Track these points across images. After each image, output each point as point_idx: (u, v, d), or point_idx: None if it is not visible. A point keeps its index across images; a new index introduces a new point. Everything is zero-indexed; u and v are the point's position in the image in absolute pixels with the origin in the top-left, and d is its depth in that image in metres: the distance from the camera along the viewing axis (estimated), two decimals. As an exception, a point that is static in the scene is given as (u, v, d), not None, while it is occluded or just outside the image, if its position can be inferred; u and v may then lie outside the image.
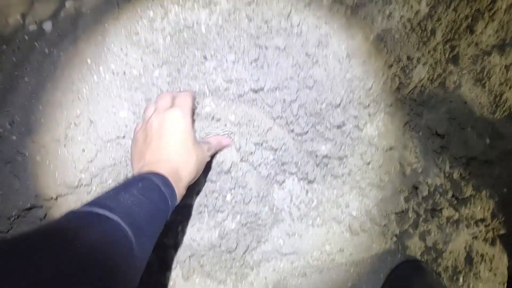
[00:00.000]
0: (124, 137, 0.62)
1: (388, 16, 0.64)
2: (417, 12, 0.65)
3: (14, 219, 0.62)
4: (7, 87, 0.68)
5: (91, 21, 0.68)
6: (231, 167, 0.62)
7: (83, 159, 0.61)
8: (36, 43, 0.69)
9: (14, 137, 0.64)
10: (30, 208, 0.62)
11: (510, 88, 0.63)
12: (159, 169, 0.47)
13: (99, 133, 0.62)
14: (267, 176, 0.63)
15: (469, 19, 0.65)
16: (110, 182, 0.63)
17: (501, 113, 0.64)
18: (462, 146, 0.62)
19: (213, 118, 0.62)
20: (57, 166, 0.62)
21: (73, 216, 0.37)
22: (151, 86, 0.64)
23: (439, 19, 0.65)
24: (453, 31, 0.65)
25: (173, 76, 0.65)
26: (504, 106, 0.63)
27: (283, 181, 0.63)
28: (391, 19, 0.64)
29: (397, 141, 0.62)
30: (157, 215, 0.43)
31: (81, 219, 0.36)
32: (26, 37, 0.69)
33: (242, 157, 0.62)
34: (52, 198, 0.62)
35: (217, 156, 0.62)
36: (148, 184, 0.44)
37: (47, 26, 0.69)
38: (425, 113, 0.63)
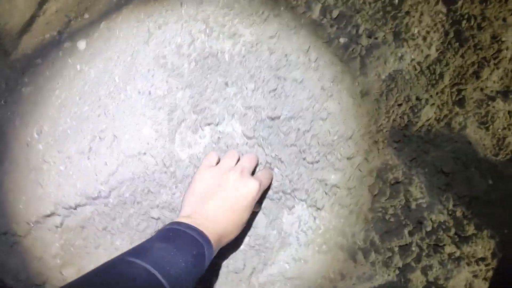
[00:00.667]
0: (145, 153, 0.65)
1: (400, 58, 0.68)
2: (427, 56, 0.70)
3: (33, 224, 0.65)
4: (38, 99, 0.72)
5: (123, 42, 0.73)
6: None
7: (105, 172, 0.65)
8: (69, 60, 0.74)
9: (41, 147, 0.68)
10: (49, 215, 0.65)
11: (513, 133, 0.66)
12: (207, 230, 0.47)
13: (122, 148, 0.65)
14: (278, 200, 0.65)
15: (476, 66, 0.69)
16: (127, 196, 0.66)
17: (503, 156, 0.67)
18: (466, 185, 0.64)
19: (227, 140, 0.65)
20: (79, 177, 0.65)
21: (123, 266, 0.40)
22: (174, 107, 0.68)
23: (447, 64, 0.69)
24: (460, 76, 0.69)
25: (195, 99, 0.69)
26: (506, 149, 0.67)
27: (293, 207, 0.66)
28: (402, 61, 0.68)
29: (404, 176, 0.65)
30: (193, 272, 0.44)
31: (129, 272, 0.39)
32: (61, 53, 0.74)
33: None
34: (70, 207, 0.65)
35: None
36: (193, 242, 0.45)
37: (81, 44, 0.74)
38: (432, 151, 0.67)
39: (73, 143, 0.67)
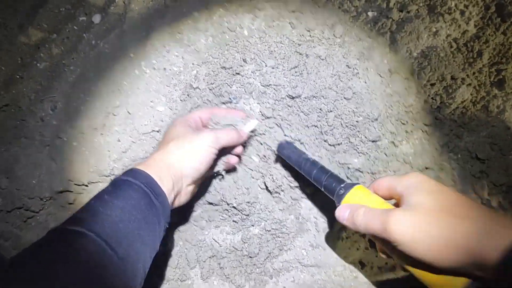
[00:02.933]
0: (159, 131, 0.63)
1: (435, 33, 0.63)
2: (464, 32, 0.63)
3: (46, 200, 0.64)
4: (53, 75, 0.71)
5: (138, 17, 0.71)
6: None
7: (118, 149, 0.63)
8: (84, 35, 0.72)
9: (55, 122, 0.66)
10: (62, 192, 0.64)
11: (559, 117, 0.60)
12: (162, 173, 0.47)
13: (135, 125, 0.63)
14: (297, 186, 0.62)
15: (519, 43, 0.63)
16: (141, 174, 0.64)
17: (546, 143, 0.61)
18: (503, 173, 0.59)
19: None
20: (92, 154, 0.63)
21: (56, 235, 0.39)
22: (189, 84, 0.65)
23: (487, 41, 0.63)
24: (500, 55, 0.63)
25: (211, 76, 0.66)
26: (550, 136, 0.60)
27: (313, 192, 0.62)
28: (437, 37, 0.63)
29: (433, 161, 0.61)
30: (141, 220, 0.43)
31: (64, 239, 0.38)
32: (76, 27, 0.72)
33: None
34: (83, 184, 0.64)
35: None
36: (129, 191, 0.44)
37: (96, 18, 0.72)
38: (465, 136, 0.61)
39: (86, 119, 0.65)
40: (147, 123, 0.63)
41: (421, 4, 0.64)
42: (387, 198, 0.44)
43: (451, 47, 0.63)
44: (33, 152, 0.65)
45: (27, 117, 0.68)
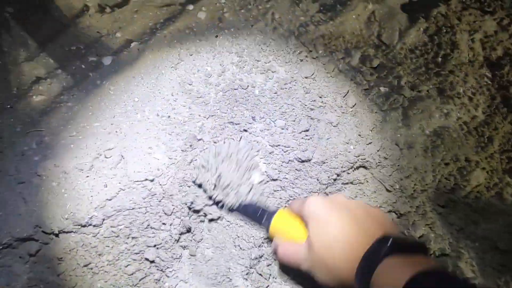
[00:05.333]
0: (153, 180, 0.57)
1: (446, 114, 0.63)
2: (473, 117, 0.64)
3: (3, 247, 0.54)
4: (47, 109, 0.66)
5: (150, 65, 0.70)
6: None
7: (102, 196, 0.55)
8: (90, 73, 0.70)
9: (37, 158, 0.60)
10: (25, 239, 0.54)
11: None
12: None
13: (127, 171, 0.57)
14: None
15: (526, 135, 0.63)
16: (122, 227, 0.56)
17: None
18: (525, 269, 0.54)
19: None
20: (72, 197, 0.55)
21: None
22: (193, 135, 0.62)
23: (496, 128, 0.64)
24: (510, 143, 0.63)
25: (217, 129, 0.63)
26: None
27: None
28: (448, 118, 0.63)
29: (450, 248, 0.55)
30: None
31: None
32: (83, 66, 0.70)
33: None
34: (52, 232, 0.55)
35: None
36: None
37: (107, 60, 0.71)
38: (482, 222, 0.57)
39: (73, 158, 0.59)
40: (141, 170, 0.57)
41: (431, 86, 0.66)
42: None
43: (462, 129, 0.63)
44: (2, 188, 0.57)
45: (6, 149, 0.61)
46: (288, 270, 0.56)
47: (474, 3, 0.75)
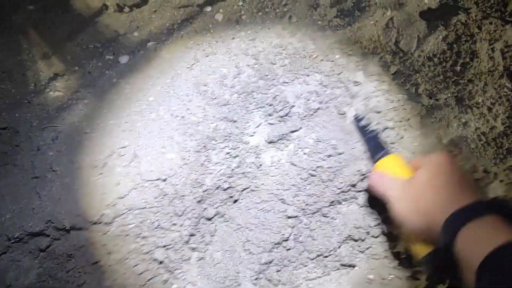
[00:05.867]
0: (165, 180, 0.57)
1: (464, 124, 0.62)
2: (492, 128, 0.63)
3: (14, 241, 0.54)
4: (64, 105, 0.67)
5: (166, 64, 0.70)
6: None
7: (114, 194, 0.55)
8: (107, 71, 0.70)
9: (52, 153, 0.60)
10: (36, 234, 0.54)
11: None
12: None
13: (140, 170, 0.57)
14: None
15: (547, 148, 0.62)
16: (132, 226, 0.56)
17: None
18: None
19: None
20: (84, 194, 0.56)
21: None
22: (206, 135, 0.61)
23: (515, 140, 0.62)
24: (530, 155, 0.61)
25: (230, 131, 0.62)
26: None
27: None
28: (467, 128, 0.62)
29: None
30: None
31: None
32: (100, 64, 0.71)
33: None
34: (64, 228, 0.55)
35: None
36: None
37: (124, 59, 0.71)
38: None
39: (88, 154, 0.59)
40: (154, 169, 0.57)
41: (449, 95, 0.65)
42: None
43: (481, 140, 0.61)
44: (17, 182, 0.57)
45: (22, 143, 0.62)
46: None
47: (494, 12, 0.74)
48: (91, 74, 0.70)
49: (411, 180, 0.45)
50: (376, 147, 0.56)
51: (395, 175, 0.49)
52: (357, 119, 0.61)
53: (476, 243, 0.34)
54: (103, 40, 0.74)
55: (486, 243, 0.32)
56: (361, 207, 0.57)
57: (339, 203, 0.58)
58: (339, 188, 0.57)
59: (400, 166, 0.51)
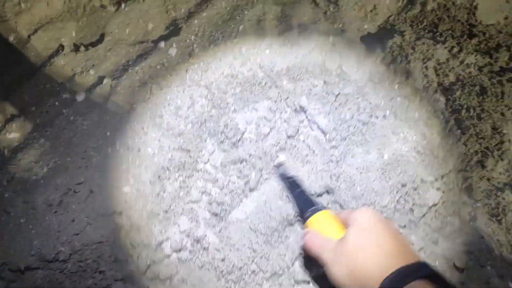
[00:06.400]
0: (121, 213, 0.58)
1: (403, 138, 0.67)
2: (429, 140, 0.68)
3: (-33, 288, 0.54)
4: (21, 145, 0.68)
5: (122, 99, 0.73)
6: None
7: (70, 231, 0.56)
8: (64, 110, 0.72)
9: (7, 195, 0.61)
10: (-10, 278, 0.54)
11: (529, 229, 0.60)
12: None
13: (95, 205, 0.58)
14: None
15: (479, 155, 0.67)
16: (90, 262, 0.57)
17: (521, 255, 0.59)
18: (484, 286, 0.56)
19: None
20: (39, 233, 0.56)
21: None
22: (161, 167, 0.64)
23: (450, 150, 0.67)
24: (464, 163, 0.66)
25: (184, 161, 0.65)
26: (524, 247, 0.60)
27: None
28: (406, 142, 0.66)
29: (411, 267, 0.57)
30: None
31: None
32: (57, 103, 0.73)
33: None
34: (19, 269, 0.55)
35: None
36: None
37: (80, 96, 0.74)
38: (441, 241, 0.59)
39: (42, 193, 0.60)
40: (109, 204, 0.59)
41: (387, 112, 0.70)
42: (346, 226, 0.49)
43: (418, 151, 0.66)
44: (-30, 227, 0.57)
45: (-24, 187, 0.62)
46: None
47: (427, 33, 0.81)
48: (48, 113, 0.72)
49: (342, 242, 0.45)
50: (305, 203, 0.55)
51: (327, 236, 0.49)
52: (282, 173, 0.61)
53: None
54: (60, 79, 0.76)
55: None
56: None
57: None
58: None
59: (331, 223, 0.50)
